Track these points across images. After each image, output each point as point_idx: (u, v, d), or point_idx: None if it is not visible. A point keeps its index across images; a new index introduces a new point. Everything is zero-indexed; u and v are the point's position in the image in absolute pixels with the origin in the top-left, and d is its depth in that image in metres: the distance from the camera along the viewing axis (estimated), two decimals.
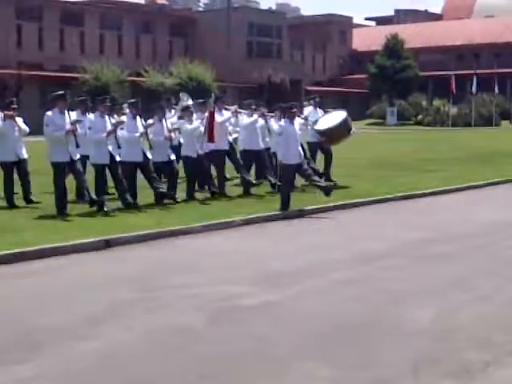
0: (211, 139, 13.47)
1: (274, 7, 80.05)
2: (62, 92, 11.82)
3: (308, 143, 15.68)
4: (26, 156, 12.73)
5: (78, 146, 11.47)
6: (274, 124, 14.23)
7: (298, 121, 13.14)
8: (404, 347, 5.62)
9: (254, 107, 14.71)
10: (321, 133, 14.63)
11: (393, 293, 7.25)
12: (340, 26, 74.63)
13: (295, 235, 10.65)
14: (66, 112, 11.56)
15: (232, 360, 5.40)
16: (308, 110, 16.44)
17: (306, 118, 14.99)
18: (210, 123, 13.41)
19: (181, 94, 15.14)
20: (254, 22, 60.94)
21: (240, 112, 14.81)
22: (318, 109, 16.43)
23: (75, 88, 38.76)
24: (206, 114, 13.59)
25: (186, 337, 5.94)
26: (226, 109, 14.32)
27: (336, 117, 14.77)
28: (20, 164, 12.64)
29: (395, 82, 61.36)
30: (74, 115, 12.13)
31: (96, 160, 12.04)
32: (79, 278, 8.07)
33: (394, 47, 63.95)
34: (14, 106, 12.60)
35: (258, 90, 52.49)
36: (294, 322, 6.32)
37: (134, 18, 56.56)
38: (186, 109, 13.79)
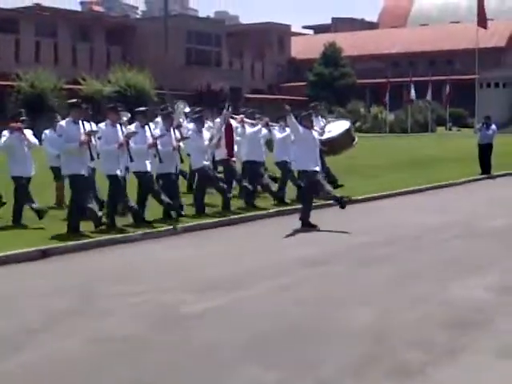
0: (230, 153, 12.98)
1: (212, 15, 79.97)
2: (76, 100, 11.07)
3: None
4: (32, 173, 11.67)
5: (92, 158, 10.64)
6: (278, 133, 13.96)
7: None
8: (345, 349, 5.68)
9: (258, 116, 14.14)
10: (323, 142, 13.68)
11: (333, 296, 7.32)
12: (278, 34, 75.25)
13: (235, 241, 10.65)
14: (81, 122, 10.65)
15: (176, 366, 5.37)
16: None
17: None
18: (229, 136, 12.80)
19: (178, 102, 14.31)
20: (193, 29, 60.94)
21: (246, 122, 13.93)
22: (319, 117, 15.58)
23: (10, 96, 38.05)
24: (218, 122, 12.89)
25: (128, 345, 5.87)
26: (232, 117, 13.56)
27: (339, 126, 14.43)
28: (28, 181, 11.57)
29: (333, 89, 62.16)
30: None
31: (108, 171, 11.06)
32: (17, 288, 7.90)
33: (331, 55, 64.89)
34: (23, 118, 11.56)
35: (197, 97, 52.42)
36: (237, 327, 6.32)
37: (71, 26, 55.88)
38: (165, 115, 12.56)
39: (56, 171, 12.96)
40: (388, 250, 9.81)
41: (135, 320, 6.54)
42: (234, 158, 13.29)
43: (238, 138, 13.75)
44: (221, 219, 12.03)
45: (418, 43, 70.54)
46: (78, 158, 10.51)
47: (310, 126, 11.83)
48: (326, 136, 13.97)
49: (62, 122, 10.72)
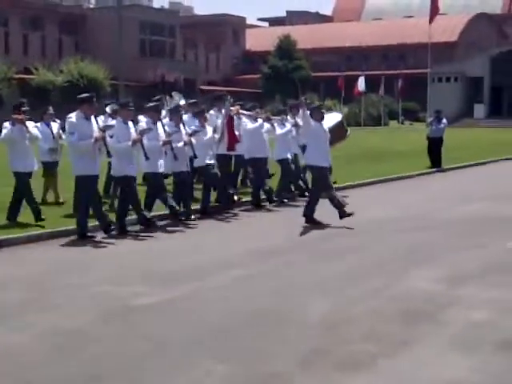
0: (231, 147, 12.40)
1: (166, 6, 79.29)
2: (89, 94, 10.28)
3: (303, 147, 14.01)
4: (36, 167, 11.09)
5: (109, 155, 10.00)
6: (278, 128, 13.47)
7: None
8: (297, 341, 5.71)
9: (257, 110, 13.46)
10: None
11: (288, 288, 7.35)
12: (233, 26, 75.07)
13: (192, 235, 10.62)
14: (93, 118, 10.06)
15: (127, 360, 5.33)
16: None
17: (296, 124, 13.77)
18: (230, 130, 12.24)
19: (173, 93, 13.04)
20: (147, 20, 60.38)
21: (242, 113, 13.15)
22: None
23: None
24: (219, 120, 12.33)
25: (79, 338, 5.82)
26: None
27: (332, 118, 14.04)
28: (30, 177, 10.88)
29: (288, 82, 62.27)
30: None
31: (119, 172, 10.44)
32: None
33: (286, 48, 64.97)
34: (25, 109, 10.79)
35: (151, 88, 52.01)
36: (190, 320, 6.30)
37: (22, 15, 54.86)
38: (175, 109, 11.74)
39: (48, 166, 12.61)
40: (342, 242, 9.89)
41: (85, 313, 6.47)
42: (233, 152, 12.65)
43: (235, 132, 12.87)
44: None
45: (371, 37, 71.11)
46: (90, 157, 9.85)
47: (319, 119, 11.33)
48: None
49: (73, 118, 9.83)
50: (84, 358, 5.37)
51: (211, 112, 12.85)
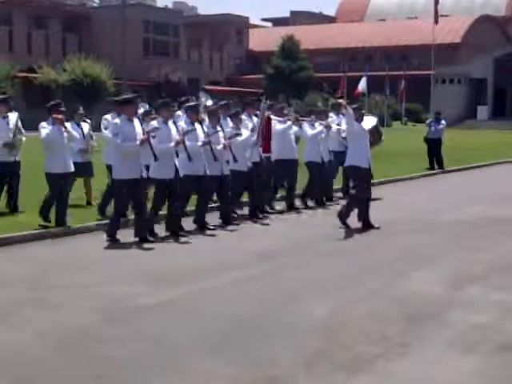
0: (267, 149, 11.83)
1: (170, 5, 79.30)
2: (136, 95, 9.99)
3: (333, 153, 13.78)
4: (72, 169, 10.61)
5: (156, 158, 9.67)
6: (309, 129, 12.95)
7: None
8: (297, 343, 5.71)
9: (286, 111, 13.03)
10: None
11: (289, 290, 7.35)
12: (237, 26, 75.05)
13: (193, 235, 10.61)
14: (137, 120, 9.82)
15: (129, 360, 5.34)
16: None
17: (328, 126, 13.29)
18: (267, 132, 11.71)
19: (200, 94, 12.67)
20: (150, 19, 60.37)
21: (273, 119, 12.47)
22: (340, 115, 14.32)
23: None
24: (256, 119, 11.79)
25: (81, 337, 5.82)
26: (256, 115, 12.03)
27: (367, 122, 13.28)
28: (66, 179, 10.52)
29: (291, 82, 62.24)
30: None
31: (159, 174, 10.03)
32: None
33: (289, 48, 64.88)
34: (62, 109, 10.41)
35: (154, 88, 52.04)
36: (192, 321, 6.31)
37: (26, 13, 54.89)
38: (214, 111, 11.25)
39: (78, 167, 11.61)
40: (343, 244, 9.89)
41: (87, 312, 6.48)
42: (269, 154, 12.02)
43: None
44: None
45: (374, 38, 71.04)
46: (133, 161, 9.60)
47: (360, 120, 11.14)
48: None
49: (116, 120, 9.78)
50: (85, 358, 5.37)
51: (243, 116, 12.12)
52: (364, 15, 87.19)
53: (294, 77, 62.48)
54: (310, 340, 5.78)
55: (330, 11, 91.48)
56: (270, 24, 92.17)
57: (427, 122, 22.10)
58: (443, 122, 20.89)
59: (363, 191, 10.95)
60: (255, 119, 11.92)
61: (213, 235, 10.44)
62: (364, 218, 10.92)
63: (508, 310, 6.62)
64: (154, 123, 10.25)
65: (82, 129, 12.23)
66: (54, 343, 5.69)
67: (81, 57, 46.35)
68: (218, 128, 10.92)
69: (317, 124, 13.09)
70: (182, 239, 10.01)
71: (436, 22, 51.70)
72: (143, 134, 9.64)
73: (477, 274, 7.98)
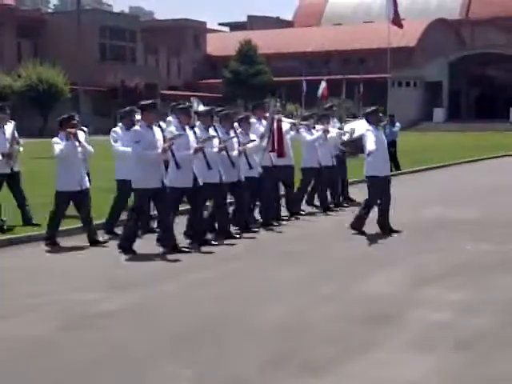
0: (281, 153, 11.33)
1: (127, 10, 78.80)
2: (151, 101, 9.55)
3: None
4: (88, 185, 10.08)
5: (178, 166, 9.46)
6: (307, 135, 12.53)
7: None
8: (259, 345, 5.70)
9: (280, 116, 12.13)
10: (346, 143, 12.42)
11: (245, 294, 7.34)
12: (194, 30, 75.02)
13: (151, 241, 10.53)
14: (156, 127, 9.47)
15: (89, 366, 5.27)
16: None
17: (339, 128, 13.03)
18: (278, 134, 11.23)
19: (192, 99, 11.93)
20: (107, 24, 60.01)
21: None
22: (335, 119, 14.13)
23: None
24: (264, 122, 11.29)
25: (38, 345, 5.73)
26: (266, 118, 11.47)
27: (361, 127, 12.83)
28: (81, 194, 9.87)
29: (249, 86, 62.37)
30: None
31: (178, 183, 9.60)
32: None
33: (247, 53, 65.13)
34: (75, 122, 9.87)
35: (111, 94, 51.69)
36: (151, 326, 6.26)
37: None
38: (227, 115, 10.89)
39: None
40: (302, 246, 9.90)
41: (44, 320, 6.39)
42: (283, 158, 11.54)
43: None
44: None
45: (331, 42, 71.60)
46: (155, 169, 9.26)
47: (377, 123, 10.77)
48: (347, 137, 12.71)
49: (137, 127, 9.42)
50: (43, 365, 5.29)
51: (252, 120, 11.63)
52: (321, 19, 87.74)
53: (252, 81, 62.70)
54: (270, 342, 5.77)
55: (287, 16, 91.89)
56: (227, 29, 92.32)
57: (381, 124, 22.30)
58: (398, 124, 21.15)
59: (375, 200, 10.66)
60: (264, 122, 11.39)
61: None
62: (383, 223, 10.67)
63: (466, 309, 6.69)
64: (173, 130, 9.86)
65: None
66: (10, 352, 5.58)
67: (36, 62, 45.86)
68: (232, 133, 10.54)
69: (314, 130, 12.66)
70: (140, 244, 9.92)
71: (400, 26, 51.94)
72: (164, 141, 9.26)
73: (433, 275, 8.05)
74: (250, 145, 10.77)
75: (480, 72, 61.52)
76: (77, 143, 9.72)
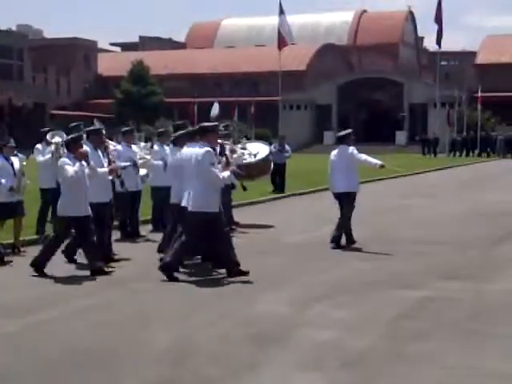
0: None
1: (14, 28, 76.59)
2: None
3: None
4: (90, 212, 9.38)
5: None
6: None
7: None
8: (145, 370, 5.61)
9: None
10: (242, 166, 11.91)
11: (136, 317, 7.23)
12: (85, 49, 73.95)
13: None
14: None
15: None
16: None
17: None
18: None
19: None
20: None
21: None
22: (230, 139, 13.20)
23: None
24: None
25: None
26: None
27: (261, 150, 13.09)
28: (87, 221, 9.31)
29: (141, 107, 61.96)
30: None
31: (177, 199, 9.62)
32: None
33: (139, 73, 64.73)
34: (82, 143, 9.45)
35: None
36: (36, 352, 6.06)
37: None
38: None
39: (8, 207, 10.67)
40: (192, 268, 9.85)
41: None
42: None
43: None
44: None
45: (223, 64, 72.21)
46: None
47: (351, 144, 11.72)
48: (249, 159, 12.64)
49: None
50: None
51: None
52: (213, 42, 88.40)
53: (144, 102, 62.34)
54: (157, 366, 5.69)
55: (180, 37, 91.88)
56: (118, 49, 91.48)
57: (272, 146, 22.56)
58: (287, 147, 21.36)
59: (351, 210, 11.47)
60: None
61: (61, 262, 10.10)
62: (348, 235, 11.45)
63: (351, 327, 6.82)
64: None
65: (12, 164, 10.67)
66: None
67: None
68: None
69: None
70: (22, 268, 9.60)
71: (283, 46, 52.44)
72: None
73: (323, 294, 8.17)
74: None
75: (367, 96, 63.45)
76: (84, 164, 9.15)
